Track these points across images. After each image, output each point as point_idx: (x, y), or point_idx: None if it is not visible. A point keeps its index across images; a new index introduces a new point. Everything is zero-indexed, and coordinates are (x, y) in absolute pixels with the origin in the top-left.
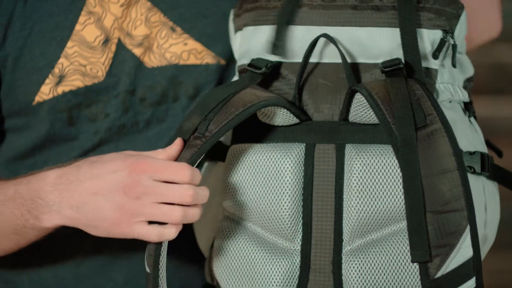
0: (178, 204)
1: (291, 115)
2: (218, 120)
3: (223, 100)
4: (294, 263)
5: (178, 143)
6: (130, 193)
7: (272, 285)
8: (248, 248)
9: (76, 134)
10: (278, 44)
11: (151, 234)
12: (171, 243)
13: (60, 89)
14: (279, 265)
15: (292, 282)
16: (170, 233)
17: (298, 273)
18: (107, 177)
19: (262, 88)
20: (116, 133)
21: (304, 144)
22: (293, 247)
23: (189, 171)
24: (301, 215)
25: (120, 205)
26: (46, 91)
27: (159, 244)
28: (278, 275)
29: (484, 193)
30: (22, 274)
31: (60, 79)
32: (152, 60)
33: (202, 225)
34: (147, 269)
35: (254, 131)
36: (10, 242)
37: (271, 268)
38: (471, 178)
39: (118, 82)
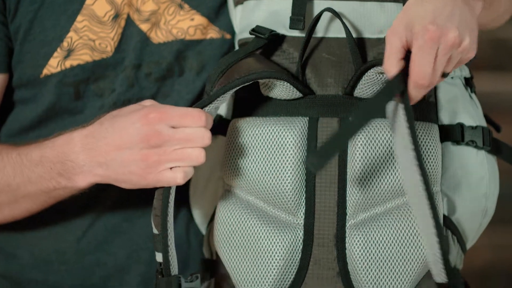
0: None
1: (294, 89)
2: (221, 83)
3: (228, 65)
4: (297, 237)
5: None
6: (151, 143)
7: (275, 259)
8: (250, 222)
9: (81, 108)
10: (296, 18)
11: (177, 177)
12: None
13: (68, 63)
14: (282, 239)
15: (295, 256)
16: (191, 171)
17: (301, 247)
18: (128, 130)
19: (266, 59)
20: (121, 107)
21: (307, 118)
22: (296, 221)
23: (204, 115)
24: (304, 189)
25: (144, 156)
26: (54, 64)
27: (165, 204)
28: (281, 249)
29: (485, 166)
30: (23, 248)
31: (69, 53)
32: (158, 36)
33: (199, 200)
34: (155, 231)
35: (256, 105)
36: (37, 203)
37: (274, 242)
38: (473, 152)
39: (125, 58)
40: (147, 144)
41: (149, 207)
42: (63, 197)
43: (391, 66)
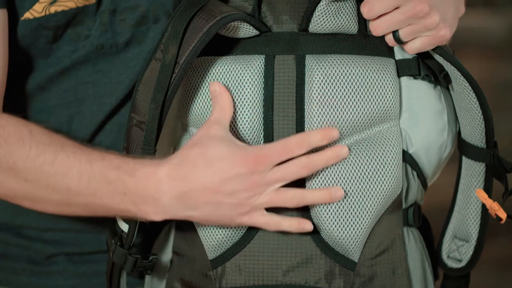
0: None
1: (252, 27)
2: (186, 44)
3: (189, 21)
4: None
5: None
6: (252, 189)
7: None
8: None
9: (55, 51)
10: None
11: (269, 224)
12: None
13: (53, 9)
14: None
15: None
16: (288, 225)
17: None
18: (231, 176)
19: (221, 3)
20: (94, 53)
21: (264, 56)
22: None
23: (306, 143)
24: (262, 127)
25: (243, 200)
26: (39, 10)
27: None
28: None
29: (443, 101)
30: None
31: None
32: None
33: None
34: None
35: (213, 44)
36: (88, 213)
37: None
38: (430, 86)
39: (102, 3)
40: (247, 191)
41: None
42: (122, 217)
43: None
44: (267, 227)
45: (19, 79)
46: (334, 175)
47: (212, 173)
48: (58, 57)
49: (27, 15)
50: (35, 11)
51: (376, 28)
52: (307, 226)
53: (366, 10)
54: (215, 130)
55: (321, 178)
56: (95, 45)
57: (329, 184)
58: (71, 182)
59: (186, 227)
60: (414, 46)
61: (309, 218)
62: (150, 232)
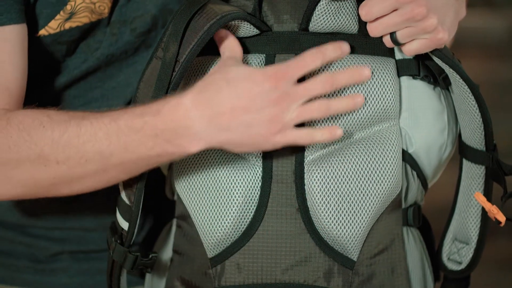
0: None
1: (252, 27)
2: (187, 42)
3: (189, 20)
4: (256, 174)
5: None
6: (279, 104)
7: (235, 198)
8: (208, 161)
9: (66, 62)
10: None
11: (302, 137)
12: None
13: (68, 25)
14: (241, 177)
15: (254, 193)
16: (320, 135)
17: (260, 184)
18: (256, 92)
19: (222, 2)
20: (104, 62)
21: (264, 55)
22: (254, 158)
23: (321, 54)
24: None
25: (273, 116)
26: (54, 26)
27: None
28: (240, 187)
29: (443, 101)
30: None
31: (71, 15)
32: None
33: None
34: (124, 199)
35: (214, 43)
36: (127, 172)
37: (233, 181)
38: (430, 86)
39: (112, 14)
40: (276, 106)
41: None
42: (161, 164)
43: None
44: (301, 141)
45: (29, 90)
46: (334, 173)
47: (237, 92)
48: (69, 68)
49: (43, 32)
50: (51, 28)
51: (373, 30)
52: (338, 131)
53: (365, 13)
54: (231, 62)
55: (319, 175)
56: (105, 55)
57: (328, 182)
58: (101, 146)
59: (186, 226)
60: (412, 48)
61: (309, 217)
62: (150, 231)
